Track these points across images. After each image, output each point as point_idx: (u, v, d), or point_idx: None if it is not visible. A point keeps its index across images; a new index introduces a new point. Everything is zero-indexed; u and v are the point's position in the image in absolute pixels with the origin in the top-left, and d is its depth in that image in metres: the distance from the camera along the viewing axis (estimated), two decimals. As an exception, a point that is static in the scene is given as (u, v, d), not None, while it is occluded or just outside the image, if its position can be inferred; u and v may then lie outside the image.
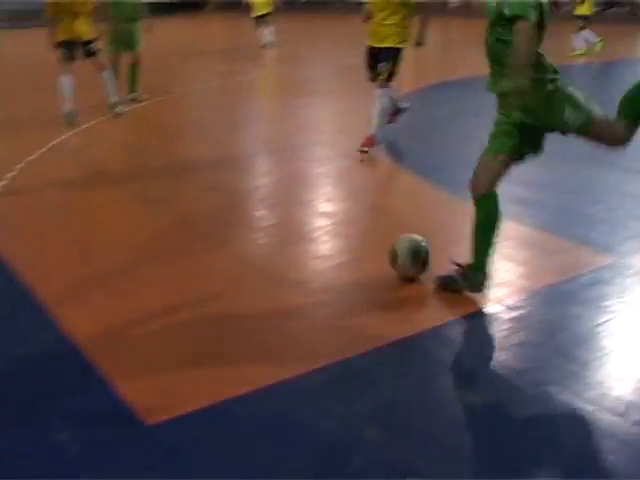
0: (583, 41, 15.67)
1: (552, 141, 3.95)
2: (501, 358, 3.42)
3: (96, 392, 3.16)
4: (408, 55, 7.48)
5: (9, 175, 6.73)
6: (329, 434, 2.84)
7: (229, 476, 2.61)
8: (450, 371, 3.39)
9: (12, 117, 9.87)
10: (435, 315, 3.87)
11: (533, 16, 3.49)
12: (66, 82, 8.91)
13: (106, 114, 9.44)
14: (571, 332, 3.64)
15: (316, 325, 3.77)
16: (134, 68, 10.62)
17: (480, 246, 3.97)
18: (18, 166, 7.03)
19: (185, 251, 4.85)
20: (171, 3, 35.75)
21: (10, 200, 6.13)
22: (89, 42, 8.96)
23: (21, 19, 33.19)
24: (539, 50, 3.66)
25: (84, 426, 2.92)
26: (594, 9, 16.24)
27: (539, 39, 3.61)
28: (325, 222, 5.40)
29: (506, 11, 3.54)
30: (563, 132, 3.81)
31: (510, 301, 3.97)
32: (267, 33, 18.01)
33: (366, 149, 7.26)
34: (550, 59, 3.73)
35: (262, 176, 7.07)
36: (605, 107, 3.84)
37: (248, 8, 19.08)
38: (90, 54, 9.04)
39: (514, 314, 3.82)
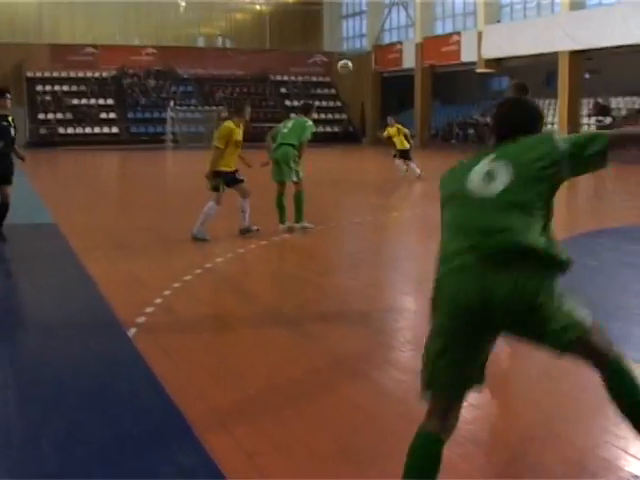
0: None
1: None
2: None
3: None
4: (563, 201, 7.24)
5: (167, 293, 6.94)
6: None
7: None
8: None
9: (171, 235, 10.36)
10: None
11: None
12: (213, 209, 9.55)
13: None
14: None
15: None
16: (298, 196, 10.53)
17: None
18: (175, 284, 7.26)
19: (331, 387, 4.74)
20: (334, 132, 38.97)
21: (166, 318, 6.29)
22: (235, 171, 9.71)
23: (185, 140, 36.43)
24: None
25: None
26: None
27: None
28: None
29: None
30: None
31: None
32: (414, 167, 18.37)
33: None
34: None
35: (410, 314, 6.86)
36: None
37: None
38: (238, 182, 9.73)
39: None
